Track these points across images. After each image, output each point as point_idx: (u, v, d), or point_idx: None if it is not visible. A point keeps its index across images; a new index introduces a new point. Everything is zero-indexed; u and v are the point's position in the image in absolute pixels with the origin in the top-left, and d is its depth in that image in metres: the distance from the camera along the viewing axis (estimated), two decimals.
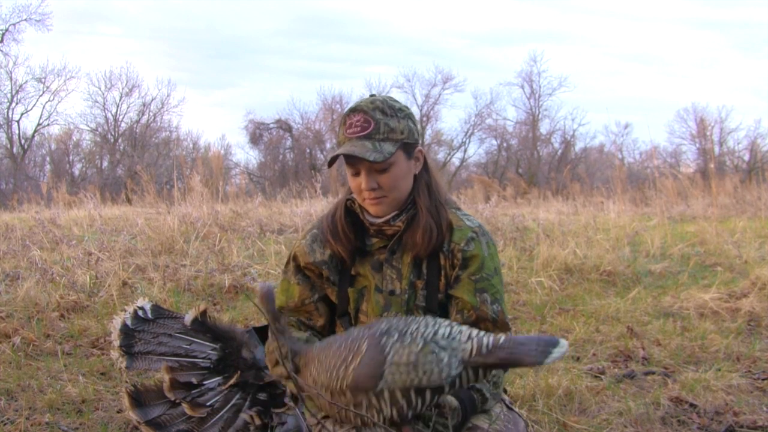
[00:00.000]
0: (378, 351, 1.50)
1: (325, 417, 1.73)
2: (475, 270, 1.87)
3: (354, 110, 1.83)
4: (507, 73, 63.01)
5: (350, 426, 1.76)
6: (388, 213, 1.88)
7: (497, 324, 1.86)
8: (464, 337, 1.50)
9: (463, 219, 1.94)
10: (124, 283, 4.83)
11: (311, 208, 8.45)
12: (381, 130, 1.80)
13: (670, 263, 6.24)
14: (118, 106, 31.63)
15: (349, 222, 1.93)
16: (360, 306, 1.92)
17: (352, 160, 1.82)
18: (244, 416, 1.75)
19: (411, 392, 1.47)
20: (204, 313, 1.95)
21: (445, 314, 1.92)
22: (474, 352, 1.47)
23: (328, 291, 1.96)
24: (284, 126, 33.47)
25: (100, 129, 31.78)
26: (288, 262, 2.01)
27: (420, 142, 1.94)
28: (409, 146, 1.87)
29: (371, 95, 1.88)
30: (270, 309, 1.60)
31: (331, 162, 1.86)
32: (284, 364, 1.61)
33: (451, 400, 1.63)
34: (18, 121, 30.19)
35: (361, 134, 1.80)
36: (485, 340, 1.49)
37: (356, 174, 1.85)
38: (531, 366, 1.50)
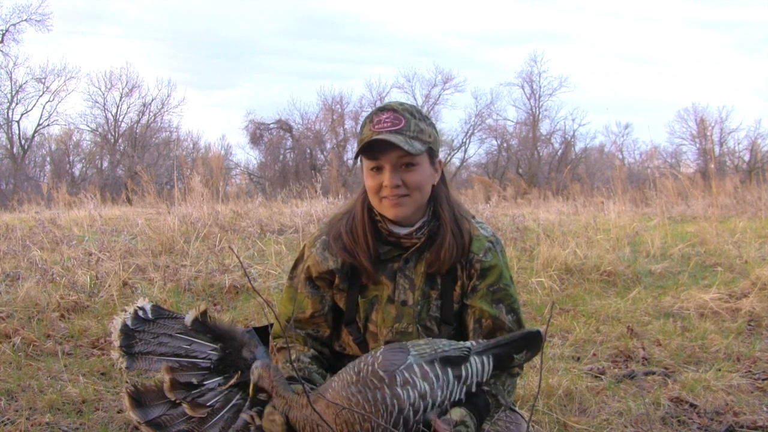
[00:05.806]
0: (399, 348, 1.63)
1: None
2: (493, 281, 1.86)
3: (383, 109, 1.77)
4: (507, 73, 63.11)
5: None
6: (407, 216, 1.83)
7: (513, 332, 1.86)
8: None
9: (479, 228, 1.92)
10: (125, 284, 4.82)
11: (312, 209, 8.45)
12: (411, 128, 1.75)
13: (670, 263, 6.23)
14: (118, 107, 31.69)
15: (371, 230, 1.86)
16: (370, 315, 1.89)
17: (381, 147, 1.73)
18: (244, 416, 1.74)
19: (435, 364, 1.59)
20: (204, 313, 1.95)
21: (459, 324, 1.90)
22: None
23: (337, 297, 1.93)
24: (284, 126, 33.46)
25: (100, 129, 31.84)
26: (295, 268, 1.97)
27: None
28: (433, 153, 1.84)
29: (399, 103, 1.84)
30: (275, 382, 1.64)
31: (358, 153, 1.77)
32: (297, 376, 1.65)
33: (456, 412, 1.62)
34: (18, 122, 30.29)
35: (391, 129, 1.73)
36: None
37: (378, 170, 1.77)
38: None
